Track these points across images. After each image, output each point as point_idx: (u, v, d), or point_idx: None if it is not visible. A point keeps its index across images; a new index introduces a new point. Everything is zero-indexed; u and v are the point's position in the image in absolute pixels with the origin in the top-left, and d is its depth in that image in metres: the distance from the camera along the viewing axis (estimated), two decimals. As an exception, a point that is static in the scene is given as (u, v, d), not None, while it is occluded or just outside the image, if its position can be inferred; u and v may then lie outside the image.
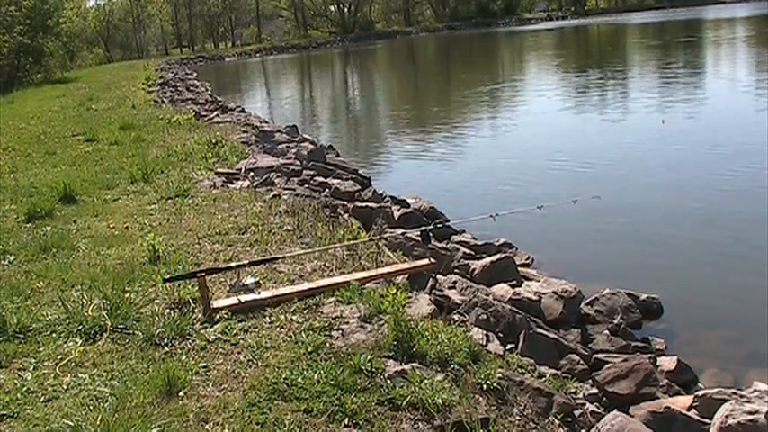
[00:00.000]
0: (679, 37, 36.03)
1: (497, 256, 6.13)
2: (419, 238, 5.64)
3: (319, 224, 6.14)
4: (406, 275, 4.90)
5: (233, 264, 4.57)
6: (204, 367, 3.50)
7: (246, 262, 4.61)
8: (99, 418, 2.98)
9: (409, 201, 8.48)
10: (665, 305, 5.52)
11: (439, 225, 5.89)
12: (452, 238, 7.11)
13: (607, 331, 5.00)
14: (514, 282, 5.70)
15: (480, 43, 50.22)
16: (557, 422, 3.49)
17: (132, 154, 9.99)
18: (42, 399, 3.25)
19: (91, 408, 3.14)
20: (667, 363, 4.52)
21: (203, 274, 4.17)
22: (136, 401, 3.16)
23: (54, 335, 3.90)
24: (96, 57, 61.53)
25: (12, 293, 4.52)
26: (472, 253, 6.55)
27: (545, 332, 4.69)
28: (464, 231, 7.33)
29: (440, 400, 3.19)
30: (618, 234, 7.48)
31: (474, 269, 5.94)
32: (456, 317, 4.60)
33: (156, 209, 6.78)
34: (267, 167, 8.75)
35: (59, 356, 3.65)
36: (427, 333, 3.82)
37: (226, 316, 4.05)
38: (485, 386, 3.46)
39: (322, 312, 4.13)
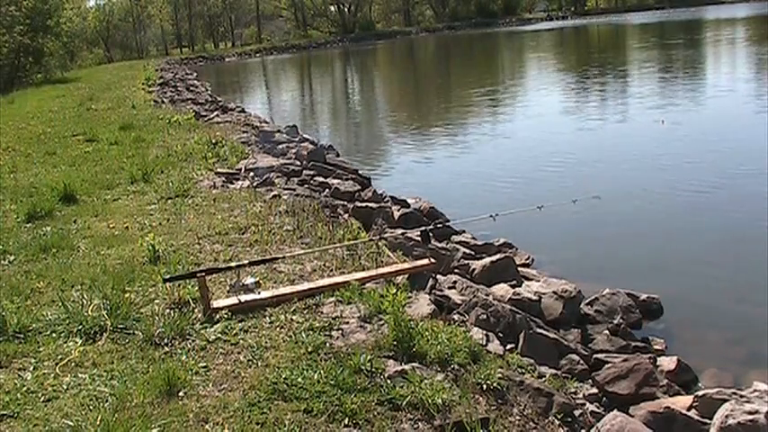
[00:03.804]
0: (679, 37, 36.04)
1: (497, 256, 6.13)
2: (419, 238, 5.64)
3: (319, 224, 6.14)
4: (406, 275, 4.91)
5: (233, 264, 4.57)
6: (204, 367, 3.50)
7: (246, 262, 4.61)
8: (99, 418, 2.98)
9: (409, 201, 8.48)
10: (665, 305, 5.52)
11: (439, 225, 5.89)
12: (452, 238, 7.11)
13: (607, 331, 5.00)
14: (514, 282, 5.70)
15: (480, 43, 50.21)
16: (557, 422, 3.49)
17: (132, 154, 9.99)
18: (42, 399, 3.25)
19: (91, 408, 3.14)
20: (667, 363, 4.52)
21: (203, 274, 4.17)
22: (136, 401, 3.16)
23: (54, 335, 3.90)
24: (96, 57, 61.51)
25: (12, 293, 4.53)
26: (472, 253, 6.55)
27: (545, 332, 4.69)
28: (464, 231, 7.33)
29: (440, 400, 3.19)
30: (618, 234, 7.48)
31: (474, 269, 5.93)
32: (456, 317, 4.60)
33: (156, 209, 6.78)
34: (267, 167, 8.75)
35: (59, 356, 3.65)
36: (427, 333, 3.82)
37: (226, 316, 4.05)
38: (485, 386, 3.47)
39: (322, 312, 4.14)
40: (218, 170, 8.54)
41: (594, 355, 4.62)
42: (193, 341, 3.78)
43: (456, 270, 5.91)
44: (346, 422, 3.03)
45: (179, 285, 4.37)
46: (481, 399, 3.38)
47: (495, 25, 70.36)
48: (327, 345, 3.66)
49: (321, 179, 9.19)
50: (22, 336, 3.88)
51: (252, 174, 8.36)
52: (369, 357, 3.45)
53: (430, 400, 3.18)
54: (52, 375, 3.46)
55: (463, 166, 11.34)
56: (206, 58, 59.64)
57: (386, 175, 11.16)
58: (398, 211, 7.61)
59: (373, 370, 3.39)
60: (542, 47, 40.83)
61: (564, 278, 5.73)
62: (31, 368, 3.55)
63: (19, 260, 5.34)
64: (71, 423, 2.99)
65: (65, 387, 3.34)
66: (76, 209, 6.93)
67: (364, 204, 7.72)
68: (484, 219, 5.47)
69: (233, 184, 7.92)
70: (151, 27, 75.98)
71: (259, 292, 4.29)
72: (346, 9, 76.09)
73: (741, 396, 3.67)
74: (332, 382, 3.26)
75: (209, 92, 25.38)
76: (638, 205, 8.30)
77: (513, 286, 5.55)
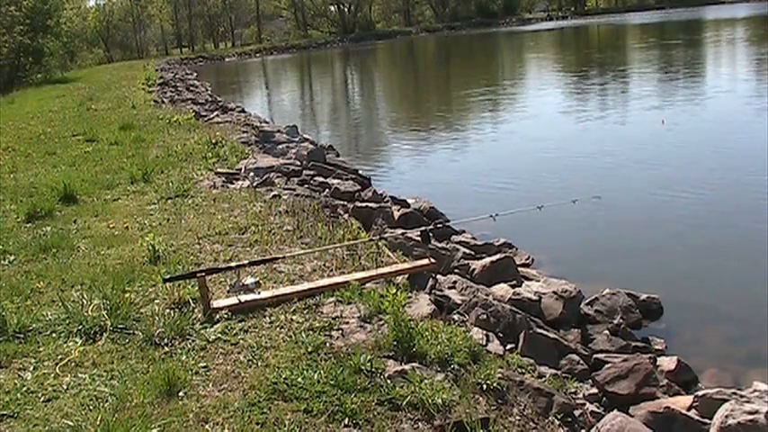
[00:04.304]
0: (679, 37, 36.05)
1: (497, 256, 6.13)
2: (419, 238, 5.64)
3: (319, 224, 6.14)
4: (406, 275, 4.90)
5: (233, 264, 4.57)
6: (204, 367, 3.50)
7: (246, 262, 4.61)
8: (99, 418, 2.98)
9: (409, 201, 8.48)
10: (665, 305, 5.52)
11: (439, 225, 5.89)
12: (452, 238, 7.11)
13: (607, 331, 5.00)
14: (514, 282, 5.70)
15: (480, 43, 50.22)
16: (557, 422, 3.49)
17: (132, 154, 9.99)
18: (42, 399, 3.25)
19: (91, 408, 3.14)
20: (667, 363, 4.52)
21: (203, 274, 4.17)
22: (136, 401, 3.16)
23: (54, 335, 3.90)
24: (96, 57, 61.50)
25: (12, 293, 4.53)
26: (472, 253, 6.55)
27: (545, 332, 4.69)
28: (464, 231, 7.33)
29: (440, 400, 3.19)
30: (618, 234, 7.48)
31: (474, 269, 5.93)
32: (456, 317, 4.60)
33: (156, 209, 6.78)
34: (267, 167, 8.75)
35: (59, 356, 3.65)
36: (427, 333, 3.82)
37: (226, 316, 4.05)
38: (485, 386, 3.47)
39: (322, 312, 4.14)
40: (218, 170, 8.53)
41: (594, 355, 4.62)
42: (193, 341, 3.78)
43: (456, 270, 5.91)
44: (346, 422, 3.03)
45: (179, 285, 4.37)
46: (481, 399, 3.38)
47: (494, 25, 70.37)
48: (327, 345, 3.66)
49: (321, 179, 9.19)
50: (22, 336, 3.88)
51: (252, 174, 8.36)
52: (369, 357, 3.45)
53: (430, 400, 3.18)
54: (52, 375, 3.46)
55: (463, 166, 11.34)
56: (206, 58, 59.63)
57: (386, 175, 11.16)
58: (398, 211, 7.61)
59: (373, 370, 3.39)
60: (542, 47, 40.83)
61: (564, 278, 5.73)
62: (31, 368, 3.55)
63: (19, 260, 5.34)
64: (71, 423, 2.99)
65: (65, 387, 3.34)
66: (76, 209, 6.93)
67: (364, 204, 7.72)
68: (484, 219, 5.47)
69: (233, 184, 7.92)
70: (151, 27, 76.01)
71: (259, 292, 4.29)
72: (346, 9, 76.09)
73: (741, 396, 3.67)
74: (332, 382, 3.26)
75: (209, 92, 25.38)
76: (638, 205, 8.30)
77: (513, 286, 5.55)
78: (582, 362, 4.48)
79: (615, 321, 5.12)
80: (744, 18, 46.65)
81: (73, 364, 3.57)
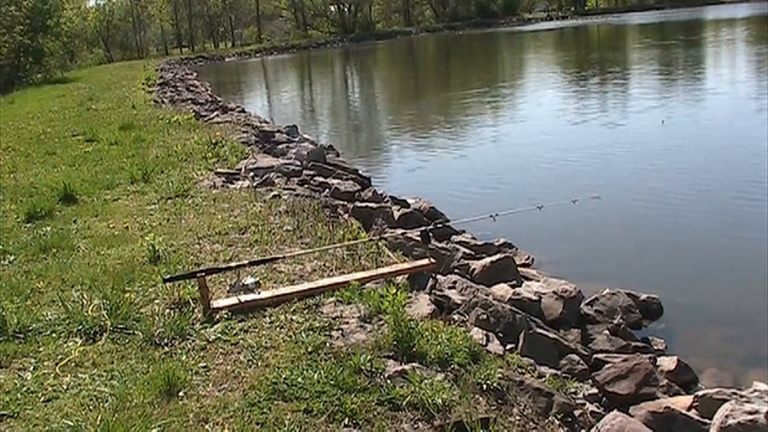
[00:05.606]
0: (679, 37, 36.04)
1: (497, 256, 6.13)
2: (419, 238, 5.64)
3: (319, 224, 6.14)
4: (406, 275, 4.90)
5: (233, 264, 4.57)
6: (204, 367, 3.50)
7: (246, 262, 4.62)
8: (99, 418, 2.98)
9: (409, 201, 8.48)
10: (665, 305, 5.52)
11: (439, 225, 5.89)
12: (452, 238, 7.11)
13: (607, 331, 5.00)
14: (514, 282, 5.70)
15: (480, 43, 50.21)
16: (557, 422, 3.49)
17: (132, 154, 9.99)
18: (42, 399, 3.25)
19: (91, 408, 3.14)
20: (667, 363, 4.52)
21: (203, 274, 4.17)
22: (136, 401, 3.16)
23: (54, 335, 3.90)
24: (96, 57, 61.48)
25: (12, 293, 4.53)
26: (472, 253, 6.55)
27: (545, 332, 4.69)
28: (464, 231, 7.33)
29: (440, 400, 3.19)
30: (618, 234, 7.48)
31: (474, 269, 5.93)
32: (456, 317, 4.60)
33: (156, 209, 6.78)
34: (267, 167, 8.75)
35: (59, 356, 3.65)
36: (427, 333, 3.82)
37: (226, 316, 4.05)
38: (485, 386, 3.46)
39: (322, 312, 4.14)
40: (218, 170, 8.53)
41: (594, 355, 4.62)
42: (193, 341, 3.78)
43: (456, 270, 5.91)
44: (346, 422, 3.03)
45: (179, 285, 4.37)
46: (481, 399, 3.38)
47: (495, 25, 70.38)
48: (327, 345, 3.66)
49: (321, 179, 9.19)
50: (22, 336, 3.88)
51: (252, 174, 8.36)
52: (369, 357, 3.45)
53: (430, 400, 3.18)
54: (52, 375, 3.46)
55: (463, 166, 11.34)
56: (206, 58, 59.64)
57: (386, 175, 11.17)
58: (398, 211, 7.61)
59: (373, 370, 3.39)
60: (542, 47, 40.82)
61: (564, 278, 5.73)
62: (31, 368, 3.55)
63: (19, 260, 5.34)
64: (71, 423, 2.99)
65: (65, 387, 3.34)
66: (76, 209, 6.93)
67: (364, 204, 7.71)
68: (484, 219, 5.47)
69: (233, 184, 7.92)
70: (151, 27, 76.04)
71: (259, 292, 4.29)
72: (346, 9, 76.09)
73: (741, 396, 3.67)
74: (332, 382, 3.26)
75: (209, 92, 25.37)
76: (637, 205, 8.30)
77: (513, 286, 5.55)
78: (582, 362, 4.48)
79: (615, 321, 5.11)
80: (744, 18, 46.64)
81: (73, 364, 3.57)
